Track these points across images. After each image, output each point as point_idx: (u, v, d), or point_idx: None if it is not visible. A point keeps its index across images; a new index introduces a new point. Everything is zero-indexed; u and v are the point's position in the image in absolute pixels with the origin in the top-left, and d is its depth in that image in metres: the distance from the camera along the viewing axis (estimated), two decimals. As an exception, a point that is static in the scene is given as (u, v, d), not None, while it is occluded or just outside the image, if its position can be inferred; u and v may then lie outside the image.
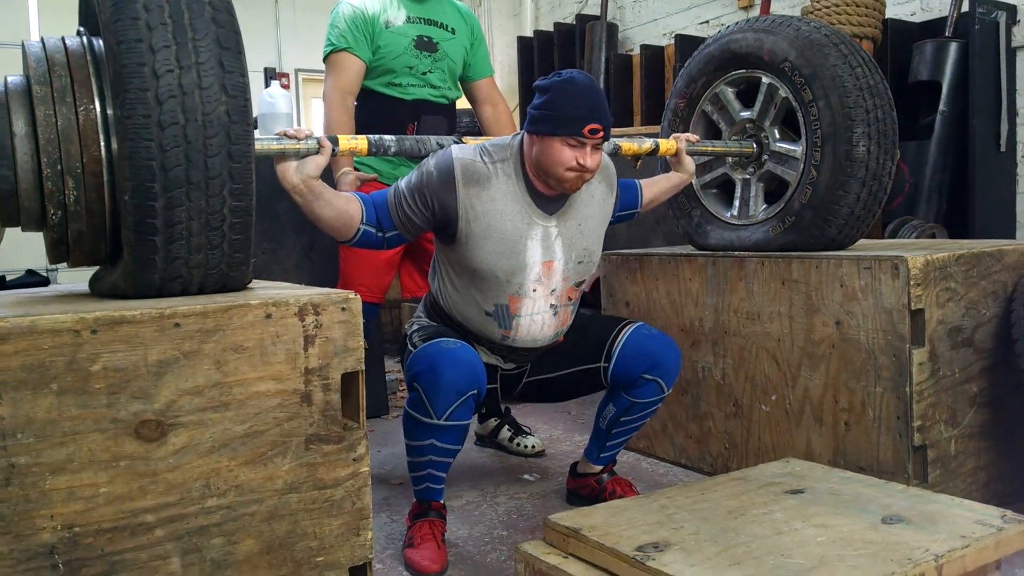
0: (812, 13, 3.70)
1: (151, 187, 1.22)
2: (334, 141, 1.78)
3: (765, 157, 2.42)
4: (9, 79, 1.33)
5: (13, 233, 3.26)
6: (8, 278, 1.95)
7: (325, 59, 2.54)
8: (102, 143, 1.29)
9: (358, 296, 1.37)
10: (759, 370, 2.30)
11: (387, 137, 1.90)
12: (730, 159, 2.51)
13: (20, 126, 1.28)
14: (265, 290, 1.50)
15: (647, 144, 2.25)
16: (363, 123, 2.56)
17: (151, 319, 1.20)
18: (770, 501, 1.56)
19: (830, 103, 2.16)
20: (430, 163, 1.90)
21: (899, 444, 1.96)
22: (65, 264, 1.46)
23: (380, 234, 1.89)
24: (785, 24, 2.30)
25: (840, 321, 2.08)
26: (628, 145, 2.22)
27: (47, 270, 6.26)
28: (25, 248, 5.62)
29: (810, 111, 2.20)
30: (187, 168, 1.23)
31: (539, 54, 5.91)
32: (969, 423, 2.06)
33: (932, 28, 3.70)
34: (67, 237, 1.35)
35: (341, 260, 2.65)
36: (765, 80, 2.35)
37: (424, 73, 2.60)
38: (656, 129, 3.65)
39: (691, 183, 2.48)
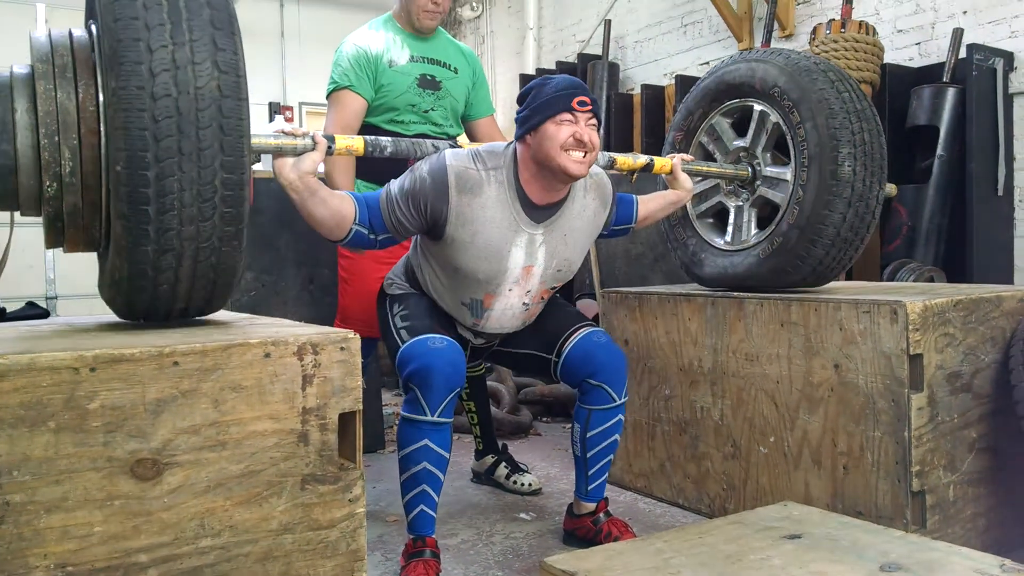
0: (811, 56, 3.75)
1: (144, 156, 1.24)
2: (331, 139, 1.80)
3: (758, 182, 2.45)
4: (15, 66, 1.37)
5: (14, 262, 3.25)
6: (8, 310, 1.96)
7: (328, 96, 2.57)
8: (100, 118, 1.31)
9: (357, 336, 1.38)
10: (758, 412, 2.30)
11: (383, 139, 1.92)
12: (724, 186, 2.55)
13: (21, 103, 1.30)
14: (264, 327, 1.51)
15: (642, 159, 2.29)
16: (365, 158, 2.58)
17: (150, 357, 1.21)
18: (768, 546, 1.54)
19: (816, 124, 2.20)
20: (423, 168, 1.92)
21: (898, 489, 1.95)
22: (61, 249, 1.47)
23: (372, 236, 1.92)
24: (777, 54, 2.37)
25: (839, 364, 2.08)
26: (624, 159, 2.27)
27: (47, 298, 6.27)
28: (25, 278, 5.64)
29: (798, 132, 2.25)
30: (179, 139, 1.25)
31: (541, 91, 5.96)
32: (968, 469, 2.05)
33: (930, 73, 3.74)
34: (62, 212, 1.34)
35: (340, 295, 2.65)
36: (757, 107, 2.41)
37: (426, 111, 2.63)
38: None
39: (688, 209, 2.52)
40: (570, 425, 3.39)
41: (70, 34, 1.38)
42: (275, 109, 3.63)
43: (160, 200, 1.26)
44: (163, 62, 1.24)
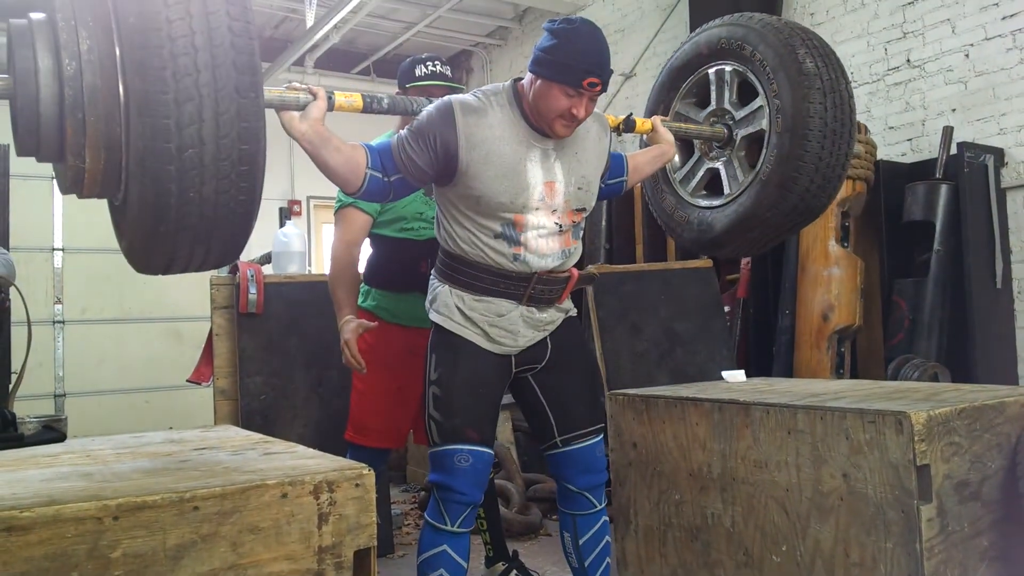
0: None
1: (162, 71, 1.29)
2: (330, 93, 1.90)
3: (737, 131, 2.58)
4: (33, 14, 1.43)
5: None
6: (19, 417, 2.00)
7: (335, 213, 2.65)
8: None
9: (371, 472, 1.40)
10: (768, 519, 2.29)
11: (381, 95, 2.06)
12: (706, 154, 2.69)
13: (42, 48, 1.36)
14: (279, 459, 1.53)
15: (621, 117, 2.40)
16: (377, 263, 2.65)
17: (171, 503, 1.23)
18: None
19: (768, 42, 2.39)
20: (428, 107, 2.00)
21: (912, 602, 1.94)
22: (76, 195, 1.48)
23: (386, 179, 1.96)
24: (713, 24, 2.60)
25: (847, 474, 2.09)
26: (609, 118, 2.33)
27: (55, 396, 6.29)
28: (36, 376, 5.67)
29: (755, 59, 2.42)
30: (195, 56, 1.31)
31: (544, 184, 6.09)
32: (982, 579, 2.04)
33: (923, 168, 3.85)
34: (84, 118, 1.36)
35: (353, 406, 2.68)
36: (711, 70, 2.60)
37: (434, 217, 2.70)
38: (657, 265, 3.75)
39: (681, 194, 2.70)
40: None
41: None
42: (286, 215, 3.72)
43: (179, 115, 1.31)
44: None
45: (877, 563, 2.01)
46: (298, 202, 7.24)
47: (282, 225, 3.76)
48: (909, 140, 4.16)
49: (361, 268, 2.65)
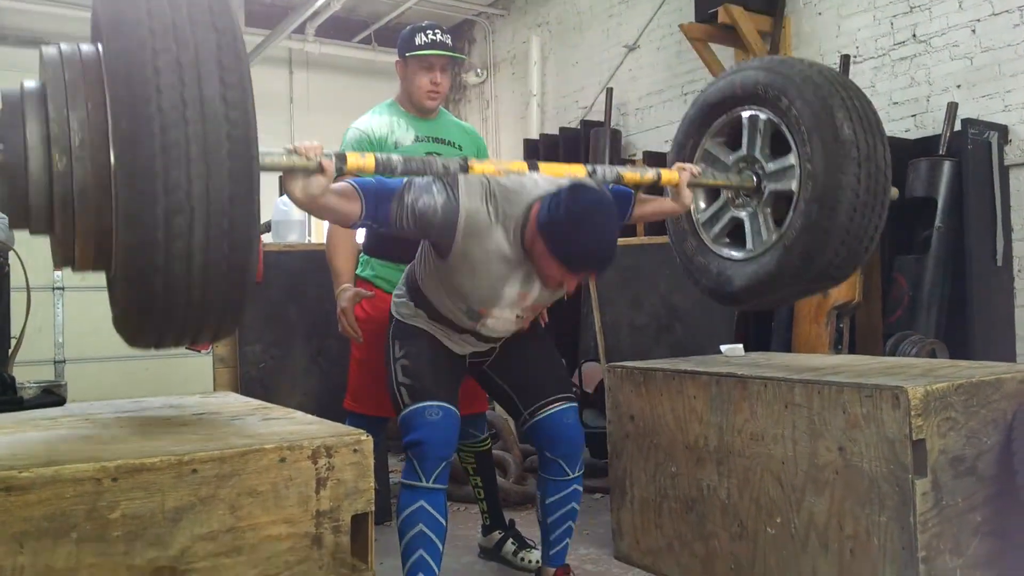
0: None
1: (147, 108, 1.23)
2: (341, 158, 1.79)
3: (765, 183, 2.43)
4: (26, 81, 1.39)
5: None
6: (19, 380, 2.01)
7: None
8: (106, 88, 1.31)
9: (369, 438, 1.41)
10: (764, 492, 2.31)
11: (394, 156, 1.92)
12: (732, 201, 2.52)
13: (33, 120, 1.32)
14: (278, 424, 1.54)
15: (649, 174, 2.27)
16: (377, 234, 2.64)
17: (169, 466, 1.24)
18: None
19: (806, 99, 2.21)
20: (438, 200, 1.94)
21: (905, 575, 1.96)
22: (69, 270, 1.46)
23: (376, 227, 1.99)
24: (751, 62, 2.43)
25: (843, 447, 2.10)
26: (631, 175, 2.26)
27: (55, 362, 6.31)
28: (35, 342, 5.67)
29: (790, 114, 2.26)
30: (181, 90, 1.25)
31: (545, 156, 6.06)
32: (974, 553, 2.06)
33: (926, 145, 3.83)
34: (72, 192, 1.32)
35: (352, 375, 2.68)
36: (745, 115, 2.42)
37: None
38: (658, 239, 3.74)
39: (702, 238, 2.56)
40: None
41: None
42: (285, 183, 3.72)
43: (165, 153, 1.24)
44: (163, 23, 1.25)
45: (871, 536, 2.03)
46: (298, 171, 7.20)
47: (281, 194, 3.73)
48: (913, 116, 4.13)
49: (359, 239, 2.64)
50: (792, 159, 2.31)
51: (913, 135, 4.06)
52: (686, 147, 2.60)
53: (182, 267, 1.28)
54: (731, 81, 2.42)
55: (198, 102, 1.25)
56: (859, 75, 4.35)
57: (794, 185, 2.31)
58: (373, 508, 1.41)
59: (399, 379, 2.20)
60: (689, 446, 2.54)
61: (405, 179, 1.96)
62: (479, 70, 7.69)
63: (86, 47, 1.40)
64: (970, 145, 3.51)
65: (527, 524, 3.18)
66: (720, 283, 2.52)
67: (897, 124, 4.17)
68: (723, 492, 2.43)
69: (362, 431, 1.43)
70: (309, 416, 1.67)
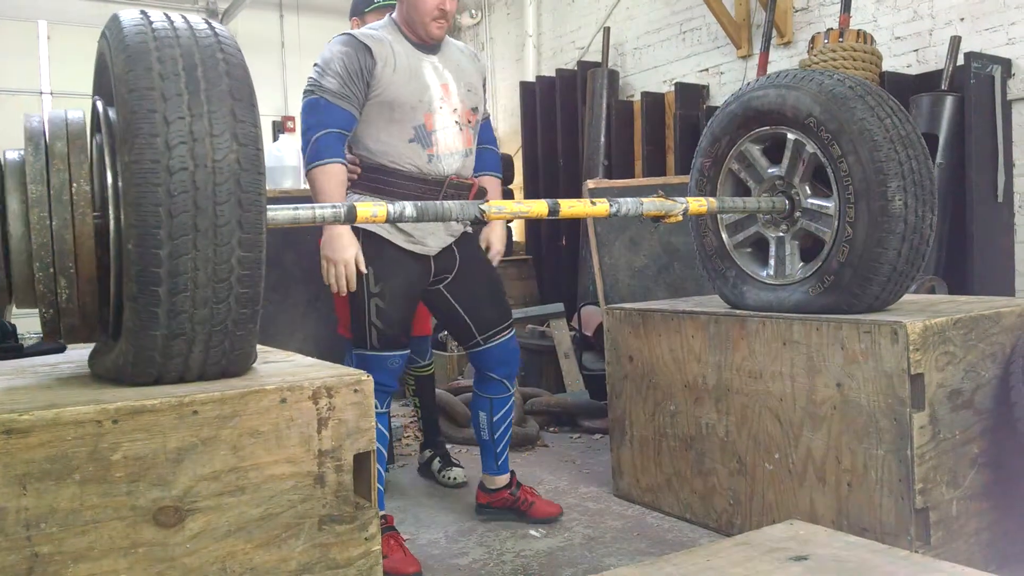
0: (810, 65, 3.77)
1: (156, 233, 1.22)
2: (351, 211, 1.72)
3: (798, 214, 2.31)
4: (7, 152, 1.36)
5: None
6: (19, 328, 2.01)
7: None
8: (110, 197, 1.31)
9: (370, 378, 1.41)
10: (762, 429, 2.33)
11: (407, 206, 1.81)
12: (762, 217, 2.40)
13: (13, 192, 1.32)
14: (278, 367, 1.54)
15: (679, 209, 2.13)
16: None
17: (170, 407, 1.24)
18: (775, 569, 1.57)
19: (860, 158, 2.07)
20: (335, 49, 2.31)
21: (901, 506, 1.98)
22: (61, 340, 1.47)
23: (353, 124, 2.31)
24: (807, 79, 2.21)
25: (841, 383, 2.11)
26: (654, 212, 2.12)
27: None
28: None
29: (840, 167, 2.12)
30: (195, 214, 1.23)
31: (541, 99, 6.00)
32: (970, 484, 2.08)
33: (928, 80, 3.77)
34: (58, 304, 1.35)
35: (337, 303, 2.79)
36: (791, 136, 2.26)
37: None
38: (655, 180, 3.71)
39: (724, 239, 2.49)
40: (557, 430, 3.56)
41: (67, 119, 1.37)
42: (279, 129, 3.65)
43: (172, 280, 1.24)
44: (180, 134, 1.22)
45: (868, 469, 2.05)
46: (291, 118, 7.09)
47: (275, 140, 3.69)
48: (915, 51, 4.06)
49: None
50: (832, 209, 2.19)
51: (915, 70, 4.00)
52: (721, 141, 2.46)
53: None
54: (783, 97, 2.23)
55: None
56: (861, 9, 4.27)
57: (828, 238, 2.20)
58: (375, 447, 1.41)
59: (371, 318, 2.37)
60: (688, 385, 2.55)
61: (314, 86, 2.30)
62: (473, 11, 7.55)
63: None
64: (973, 79, 3.45)
65: (527, 464, 3.22)
66: (734, 293, 2.48)
67: (899, 59, 4.10)
68: (721, 429, 2.45)
69: (362, 372, 1.43)
70: (309, 359, 1.67)
